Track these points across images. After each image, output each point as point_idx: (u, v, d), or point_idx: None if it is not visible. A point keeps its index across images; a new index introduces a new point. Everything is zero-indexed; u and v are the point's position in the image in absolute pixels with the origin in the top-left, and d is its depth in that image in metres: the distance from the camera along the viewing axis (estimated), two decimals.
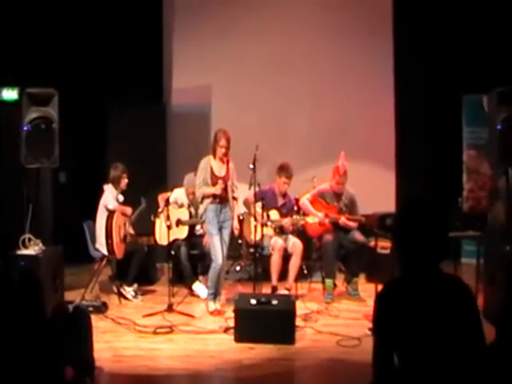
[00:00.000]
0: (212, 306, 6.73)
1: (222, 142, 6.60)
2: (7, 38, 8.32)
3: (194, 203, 7.53)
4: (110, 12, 9.31)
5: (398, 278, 2.69)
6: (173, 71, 9.90)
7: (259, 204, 7.10)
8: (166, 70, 9.89)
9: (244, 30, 9.66)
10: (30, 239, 6.64)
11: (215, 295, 6.76)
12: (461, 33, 9.07)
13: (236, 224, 6.91)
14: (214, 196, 6.63)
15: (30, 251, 6.55)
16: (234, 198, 6.80)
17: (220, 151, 6.62)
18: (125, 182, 7.41)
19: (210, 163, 6.70)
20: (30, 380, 3.57)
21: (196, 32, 9.71)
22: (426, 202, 2.67)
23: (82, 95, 8.83)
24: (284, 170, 7.50)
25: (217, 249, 6.61)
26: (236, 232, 7.01)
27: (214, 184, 6.61)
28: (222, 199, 6.66)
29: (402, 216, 2.71)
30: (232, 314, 5.99)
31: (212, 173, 6.66)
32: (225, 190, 6.66)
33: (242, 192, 7.24)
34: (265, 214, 7.27)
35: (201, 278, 7.52)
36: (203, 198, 6.68)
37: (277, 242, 7.31)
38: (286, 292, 7.08)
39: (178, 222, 7.65)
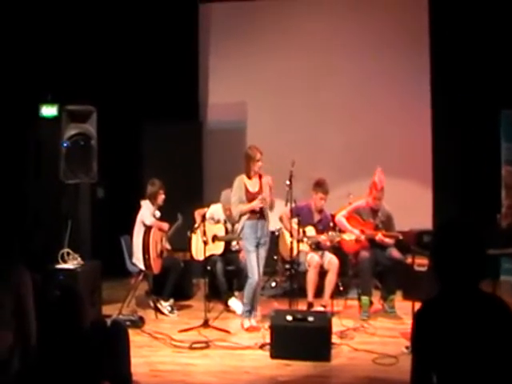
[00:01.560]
0: (247, 322, 6.72)
1: (259, 156, 6.62)
2: (47, 55, 8.47)
3: (230, 219, 7.56)
4: (147, 30, 9.47)
5: (437, 297, 2.67)
6: (208, 88, 9.99)
7: (295, 220, 7.09)
8: (202, 87, 10.00)
9: (279, 46, 9.71)
10: (68, 254, 6.75)
11: (250, 312, 6.75)
12: (499, 46, 8.97)
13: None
14: (252, 212, 6.63)
15: (69, 265, 6.66)
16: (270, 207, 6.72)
17: (257, 166, 6.64)
18: (162, 197, 7.47)
19: (244, 181, 6.72)
20: None
21: (231, 48, 9.81)
22: (463, 221, 2.67)
23: (120, 112, 8.96)
24: (320, 185, 7.49)
25: (253, 266, 6.60)
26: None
27: (250, 201, 6.62)
28: (261, 215, 6.66)
29: (440, 236, 2.71)
30: (268, 331, 5.99)
31: (246, 190, 6.68)
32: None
33: (278, 208, 7.22)
34: (301, 230, 7.26)
35: (236, 293, 7.53)
36: (241, 215, 6.69)
37: (313, 258, 7.29)
38: (322, 309, 7.06)
39: (215, 238, 7.68)
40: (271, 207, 6.70)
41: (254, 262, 6.60)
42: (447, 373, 2.54)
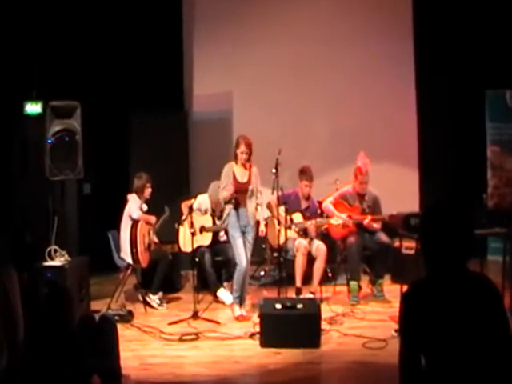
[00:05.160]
0: (238, 311, 6.73)
1: (242, 148, 6.61)
2: (29, 53, 8.42)
3: (216, 210, 7.58)
4: (129, 21, 9.38)
5: (424, 278, 2.68)
6: (193, 78, 9.95)
7: (282, 208, 7.10)
8: (187, 78, 9.94)
9: (264, 35, 9.66)
10: (55, 251, 6.74)
11: (241, 299, 6.76)
12: (482, 28, 8.97)
13: (262, 227, 6.94)
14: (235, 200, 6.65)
15: (56, 262, 6.65)
16: (258, 204, 6.77)
17: (241, 157, 6.64)
18: (148, 191, 7.46)
19: (233, 169, 6.72)
20: None
21: (215, 38, 9.75)
22: (450, 202, 2.69)
23: (104, 106, 8.89)
24: (304, 173, 7.51)
25: (240, 252, 6.62)
26: (262, 235, 7.02)
27: (237, 190, 6.63)
28: (237, 204, 6.66)
29: (428, 217, 2.72)
30: (257, 320, 6.01)
31: (234, 179, 6.69)
32: (242, 195, 6.65)
33: (265, 196, 7.24)
34: (288, 218, 7.28)
35: (225, 284, 7.53)
36: (225, 202, 6.72)
37: (300, 243, 7.31)
38: (311, 296, 7.08)
39: (202, 229, 7.68)
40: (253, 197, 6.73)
41: (240, 249, 6.62)
42: (436, 354, 2.55)
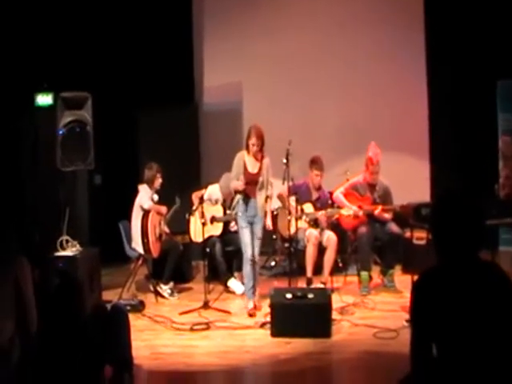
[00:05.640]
0: (251, 303, 6.62)
1: (253, 140, 6.58)
2: (41, 44, 8.44)
3: (227, 201, 7.60)
4: (140, 13, 9.37)
5: (435, 268, 2.67)
6: (204, 70, 9.94)
7: (293, 198, 7.09)
8: (197, 69, 9.93)
9: (273, 26, 9.62)
10: (67, 241, 6.78)
11: (253, 289, 6.67)
12: (493, 18, 8.89)
13: (269, 221, 6.84)
14: (244, 191, 6.64)
15: (68, 253, 6.69)
16: (268, 196, 6.72)
17: (252, 149, 6.62)
18: (159, 181, 7.47)
19: (244, 159, 6.70)
20: (70, 378, 3.64)
21: (225, 30, 9.73)
22: (461, 191, 2.67)
23: (115, 97, 8.90)
24: (315, 162, 7.49)
25: (246, 242, 6.62)
26: (268, 228, 6.93)
27: (247, 181, 6.61)
28: (247, 194, 6.66)
29: (439, 206, 2.71)
30: (268, 309, 6.02)
31: (245, 169, 6.68)
32: (252, 185, 6.63)
33: (276, 187, 7.23)
34: (299, 208, 7.27)
35: (236, 274, 7.55)
36: (235, 192, 6.73)
37: (311, 234, 7.30)
38: (322, 286, 7.08)
39: (213, 219, 7.69)
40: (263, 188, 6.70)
41: (246, 239, 6.62)
42: (447, 343, 2.55)
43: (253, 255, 6.59)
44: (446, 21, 9.17)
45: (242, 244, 6.71)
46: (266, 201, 6.69)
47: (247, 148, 6.68)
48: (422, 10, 9.40)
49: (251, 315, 6.53)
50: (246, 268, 6.66)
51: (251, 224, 6.67)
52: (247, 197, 6.66)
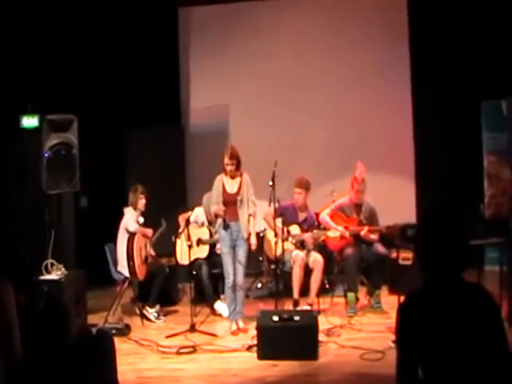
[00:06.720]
0: (234, 326, 6.68)
1: (226, 160, 6.59)
2: (26, 66, 8.44)
3: (212, 223, 7.58)
4: (126, 35, 9.43)
5: (420, 289, 2.68)
6: (190, 91, 9.98)
7: (280, 220, 7.09)
8: (184, 91, 9.99)
9: (259, 47, 9.70)
10: (52, 264, 6.74)
11: (236, 313, 6.71)
12: (477, 38, 8.98)
13: (253, 240, 6.73)
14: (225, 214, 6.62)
15: (53, 276, 6.65)
16: (250, 215, 6.68)
17: (227, 168, 6.63)
18: (142, 202, 7.44)
19: (223, 180, 6.71)
20: None
21: (212, 51, 9.81)
22: (446, 210, 2.69)
23: (101, 120, 8.92)
24: (297, 181, 7.51)
25: (227, 269, 6.63)
26: (253, 248, 6.82)
27: (226, 202, 6.60)
28: (228, 217, 6.63)
29: (424, 226, 2.73)
30: (254, 332, 5.99)
31: (224, 189, 6.68)
32: (232, 206, 6.61)
33: (262, 209, 7.24)
34: (285, 229, 7.27)
35: (222, 296, 7.51)
36: (216, 216, 6.73)
37: (298, 256, 7.30)
38: (308, 307, 7.07)
39: (199, 242, 7.68)
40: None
41: (227, 265, 6.63)
42: (432, 364, 2.55)
43: (234, 281, 6.60)
44: (431, 40, 9.28)
45: (224, 269, 6.71)
46: (248, 220, 6.64)
47: (224, 169, 6.68)
48: (406, 29, 9.52)
49: (233, 334, 6.58)
50: (227, 292, 6.68)
51: (234, 248, 6.65)
52: (229, 219, 6.63)
